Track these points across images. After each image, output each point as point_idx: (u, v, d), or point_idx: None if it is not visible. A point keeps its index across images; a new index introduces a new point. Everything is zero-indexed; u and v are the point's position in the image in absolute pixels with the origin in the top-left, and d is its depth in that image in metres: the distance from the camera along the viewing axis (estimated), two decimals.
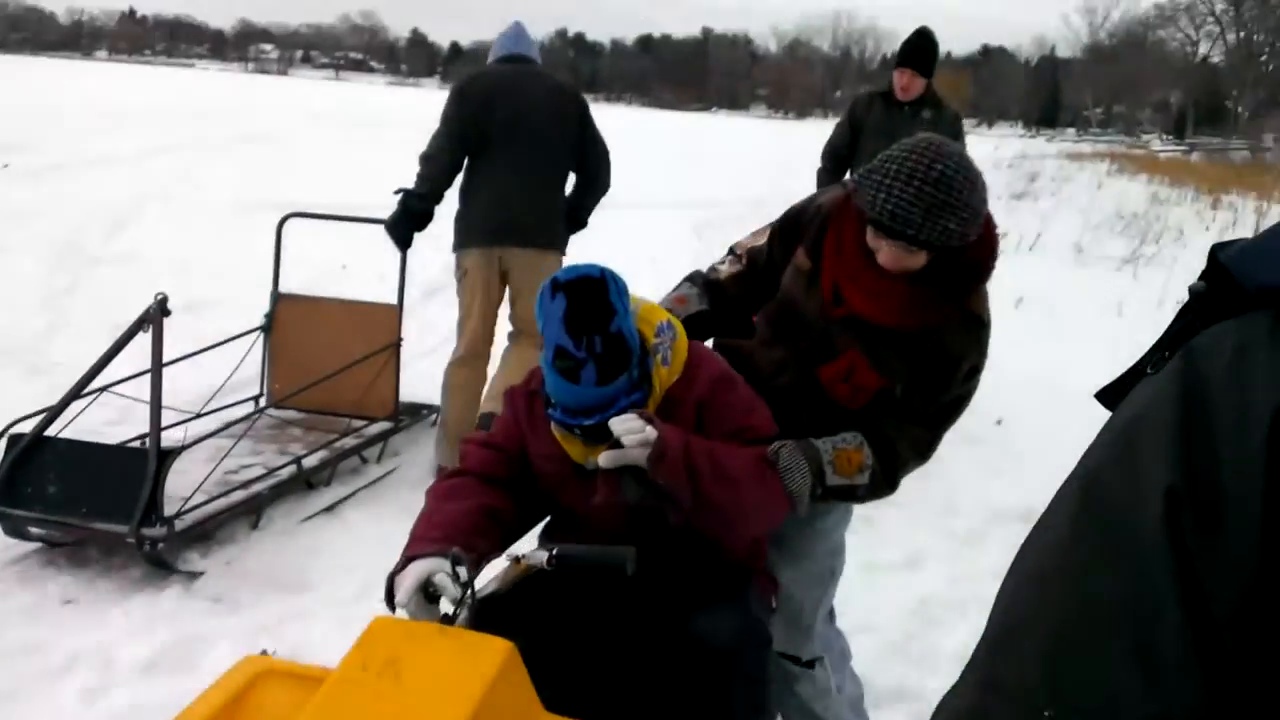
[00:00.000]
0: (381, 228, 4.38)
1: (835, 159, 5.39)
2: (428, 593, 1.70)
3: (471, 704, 1.47)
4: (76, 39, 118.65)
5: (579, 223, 4.59)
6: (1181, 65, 71.12)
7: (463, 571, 1.64)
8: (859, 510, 4.10)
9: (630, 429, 1.76)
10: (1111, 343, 7.29)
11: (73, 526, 3.31)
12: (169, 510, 3.30)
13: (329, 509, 4.00)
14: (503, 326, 4.54)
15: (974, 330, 2.10)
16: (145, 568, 3.42)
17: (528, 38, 4.59)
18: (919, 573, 3.71)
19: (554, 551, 1.66)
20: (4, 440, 3.42)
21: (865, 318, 2.04)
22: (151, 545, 3.25)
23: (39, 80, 34.45)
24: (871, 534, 4.00)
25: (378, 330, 4.48)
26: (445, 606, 1.68)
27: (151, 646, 2.99)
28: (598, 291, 1.82)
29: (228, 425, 3.92)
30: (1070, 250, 11.02)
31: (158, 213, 10.51)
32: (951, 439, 5.03)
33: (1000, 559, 3.73)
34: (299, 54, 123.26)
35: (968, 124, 5.56)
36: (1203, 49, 71.48)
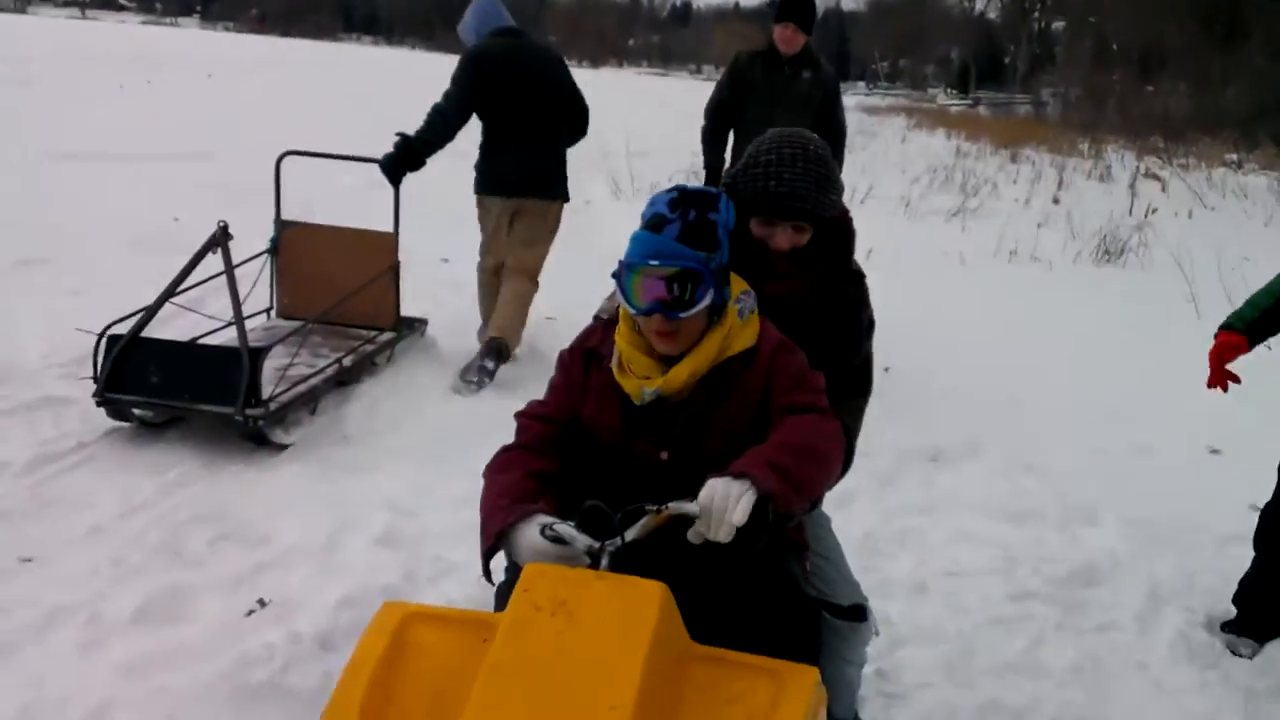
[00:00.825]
0: (375, 167, 4.96)
1: (719, 117, 5.39)
2: (551, 540, 1.77)
3: (646, 639, 1.57)
4: None
5: None
6: (961, 21, 75.43)
7: (609, 520, 1.72)
8: None
9: (721, 508, 1.70)
10: (962, 292, 7.92)
11: (177, 409, 4.05)
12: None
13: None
14: None
15: (861, 284, 2.34)
16: None
17: (504, 10, 5.30)
18: (852, 510, 3.96)
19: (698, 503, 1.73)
20: (103, 340, 4.09)
21: (781, 296, 2.18)
22: (253, 422, 3.96)
23: None
24: None
25: (375, 253, 5.07)
26: (573, 554, 1.74)
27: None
28: (708, 197, 2.01)
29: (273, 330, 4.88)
30: (899, 204, 11.68)
31: None
32: None
33: (917, 495, 4.09)
34: None
35: None
36: (979, 4, 76.10)
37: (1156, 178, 15.48)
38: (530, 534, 1.81)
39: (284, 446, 4.14)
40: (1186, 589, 3.52)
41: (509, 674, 1.53)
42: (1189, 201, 13.04)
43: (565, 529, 1.79)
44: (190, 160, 11.10)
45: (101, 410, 4.12)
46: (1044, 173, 16.09)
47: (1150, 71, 32.20)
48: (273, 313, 5.28)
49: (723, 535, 1.71)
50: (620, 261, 1.97)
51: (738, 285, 2.07)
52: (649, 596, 1.64)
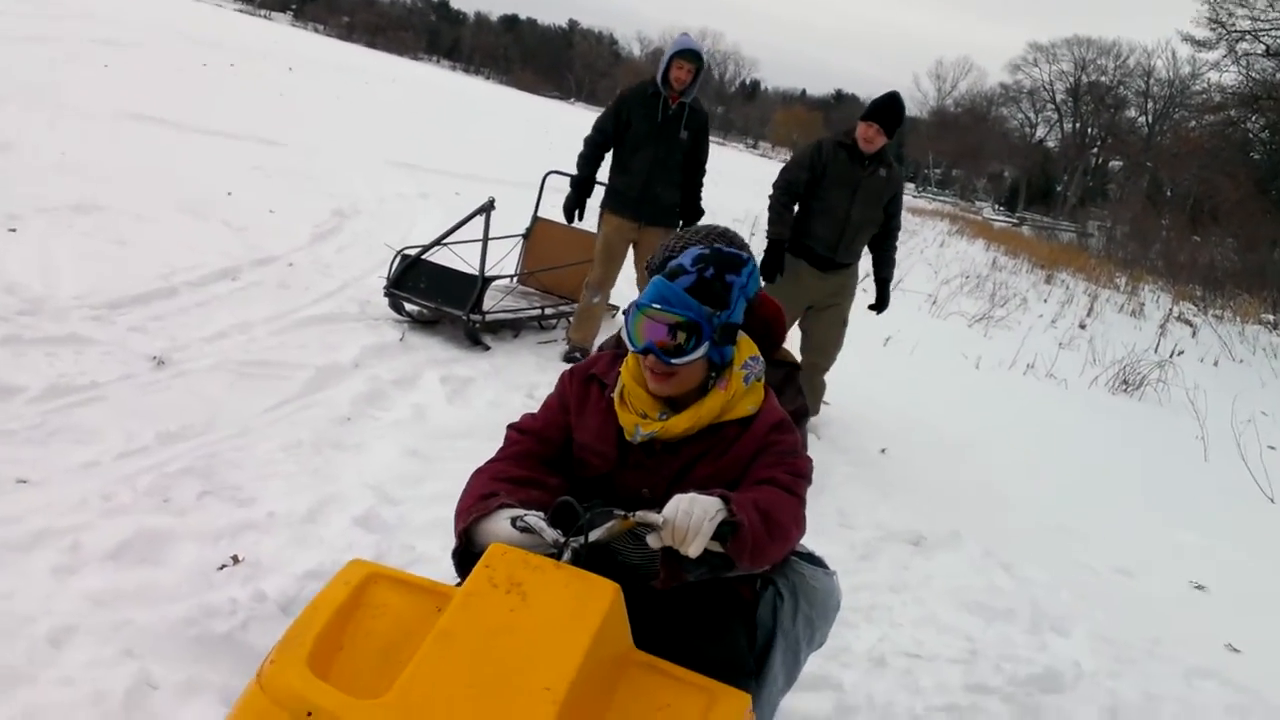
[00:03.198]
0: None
1: (790, 196, 5.60)
2: (520, 530, 1.84)
3: (591, 631, 1.63)
4: None
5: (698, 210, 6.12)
6: (1019, 143, 76.17)
7: (577, 517, 1.79)
8: None
9: (694, 519, 1.77)
10: (972, 393, 7.98)
11: (430, 308, 5.82)
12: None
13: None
14: None
15: (795, 376, 2.41)
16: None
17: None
18: None
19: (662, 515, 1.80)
20: (398, 257, 5.97)
21: None
22: (473, 325, 5.74)
23: None
24: None
25: (585, 247, 6.53)
26: (539, 545, 1.81)
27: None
28: (734, 260, 2.09)
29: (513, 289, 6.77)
30: (926, 301, 11.79)
31: (24, 104, 9.86)
32: (841, 462, 5.42)
33: (891, 574, 4.13)
34: None
35: None
36: (1040, 132, 76.89)
37: (1189, 322, 15.51)
38: (500, 524, 1.88)
39: (488, 348, 5.87)
40: (1148, 714, 3.51)
41: (455, 641, 1.59)
42: (1217, 350, 13.04)
43: (535, 520, 1.86)
44: (256, 143, 11.42)
45: (114, 354, 4.39)
46: (1076, 297, 16.17)
47: (1200, 222, 32.33)
48: (515, 279, 6.94)
49: (692, 549, 1.77)
50: (632, 301, 2.06)
51: (748, 350, 2.13)
52: (601, 594, 1.70)
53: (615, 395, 2.10)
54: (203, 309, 5.34)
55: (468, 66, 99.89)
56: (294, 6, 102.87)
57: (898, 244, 5.94)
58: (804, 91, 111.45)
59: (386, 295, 5.94)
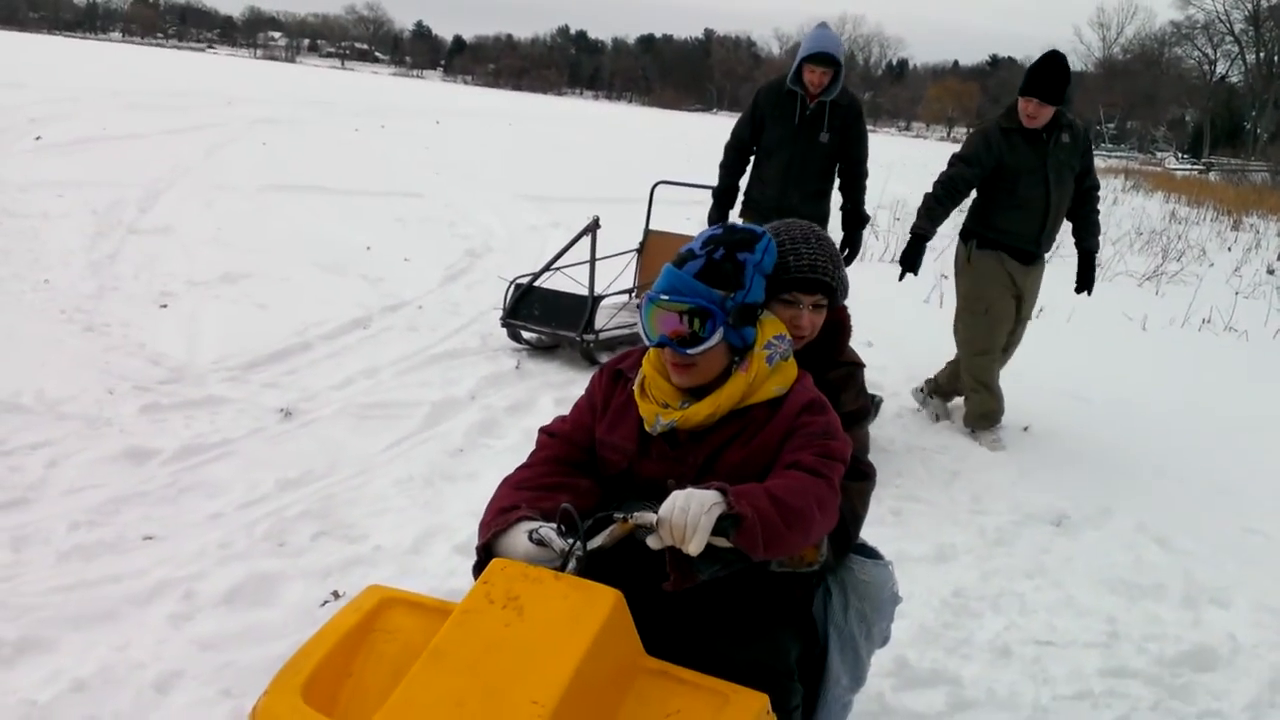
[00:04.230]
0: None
1: (952, 195, 5.12)
2: (535, 544, 1.81)
3: (586, 642, 1.59)
4: (92, 20, 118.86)
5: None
6: (1198, 83, 70.96)
7: (573, 525, 1.75)
8: (888, 503, 4.27)
9: (691, 514, 1.70)
10: (1135, 357, 7.45)
11: (546, 333, 5.96)
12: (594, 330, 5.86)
13: None
14: None
15: (851, 375, 2.27)
16: None
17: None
18: (950, 566, 3.80)
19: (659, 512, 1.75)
20: (511, 286, 6.11)
21: None
22: (587, 345, 5.80)
23: (60, 59, 34.58)
24: (901, 527, 4.13)
25: None
26: (553, 557, 1.79)
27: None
28: (747, 237, 2.02)
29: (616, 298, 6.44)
30: None
31: (186, 189, 10.66)
32: (972, 444, 5.17)
33: (1028, 559, 3.88)
34: (306, 42, 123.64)
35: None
36: (1220, 68, 71.28)
37: None
38: (518, 538, 1.86)
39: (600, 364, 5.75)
40: None
41: (447, 658, 1.59)
42: None
43: (548, 531, 1.83)
44: (398, 197, 11.96)
45: (247, 410, 4.65)
46: (1266, 241, 14.89)
47: None
48: (634, 294, 6.73)
49: (692, 547, 1.71)
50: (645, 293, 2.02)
51: (772, 329, 2.04)
52: (600, 602, 1.66)
53: (636, 387, 2.05)
54: (334, 359, 5.60)
55: (609, 93, 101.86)
56: (443, 63, 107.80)
57: (1098, 207, 5.29)
58: (956, 63, 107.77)
59: (504, 325, 6.10)
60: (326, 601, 3.14)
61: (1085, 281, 5.32)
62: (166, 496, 3.77)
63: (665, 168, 10.32)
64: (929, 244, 5.22)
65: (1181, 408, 6.20)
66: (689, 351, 1.93)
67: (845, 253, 5.23)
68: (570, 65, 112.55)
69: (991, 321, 5.15)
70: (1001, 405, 5.24)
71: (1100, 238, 5.35)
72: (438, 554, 3.50)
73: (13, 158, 11.33)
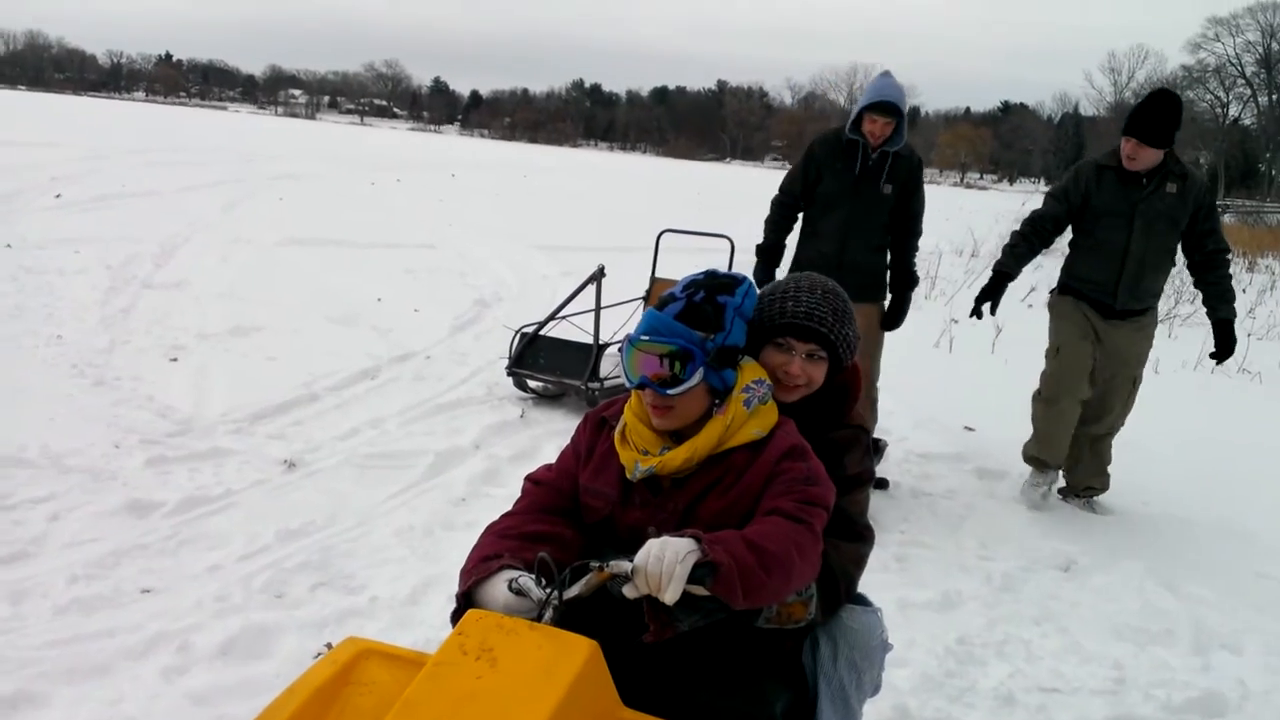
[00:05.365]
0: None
1: (1038, 232, 4.89)
2: (514, 594, 1.80)
3: (559, 693, 1.57)
4: (116, 80, 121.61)
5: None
6: (1212, 126, 71.00)
7: (550, 575, 1.74)
8: (892, 549, 4.23)
9: (666, 563, 1.69)
10: (1147, 400, 7.33)
11: (552, 381, 6.02)
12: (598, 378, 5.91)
13: None
14: None
15: (856, 438, 2.20)
16: None
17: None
18: (955, 613, 3.75)
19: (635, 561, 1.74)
20: (517, 335, 6.17)
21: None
22: (591, 393, 5.78)
23: (84, 119, 35.28)
24: (905, 574, 4.08)
25: None
26: (531, 607, 1.78)
27: None
28: (727, 281, 2.03)
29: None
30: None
31: (201, 244, 10.81)
32: (987, 490, 5.14)
33: (1035, 605, 3.83)
34: (325, 99, 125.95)
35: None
36: (1233, 111, 71.40)
37: None
38: (498, 587, 1.85)
39: None
40: None
41: (418, 710, 1.57)
42: None
43: (526, 581, 1.82)
44: (411, 249, 12.08)
45: (251, 462, 4.67)
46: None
47: None
48: None
49: (668, 595, 1.70)
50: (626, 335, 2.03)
51: (752, 373, 2.03)
52: (574, 652, 1.65)
53: (617, 434, 2.05)
54: (340, 410, 5.62)
55: (624, 144, 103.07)
56: (460, 117, 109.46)
57: (1229, 272, 4.79)
58: (968, 109, 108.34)
59: (509, 374, 6.13)
60: (320, 654, 3.12)
61: (1223, 350, 4.79)
62: (166, 549, 3.78)
63: (675, 216, 10.40)
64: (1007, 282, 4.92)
65: (1193, 451, 6.13)
66: (669, 392, 1.93)
67: (889, 314, 4.98)
68: (585, 118, 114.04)
69: (1061, 365, 4.80)
70: (1054, 458, 4.89)
71: (1235, 305, 4.82)
72: (435, 605, 3.48)
73: (33, 216, 11.53)
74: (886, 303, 5.00)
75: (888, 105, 4.66)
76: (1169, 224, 4.59)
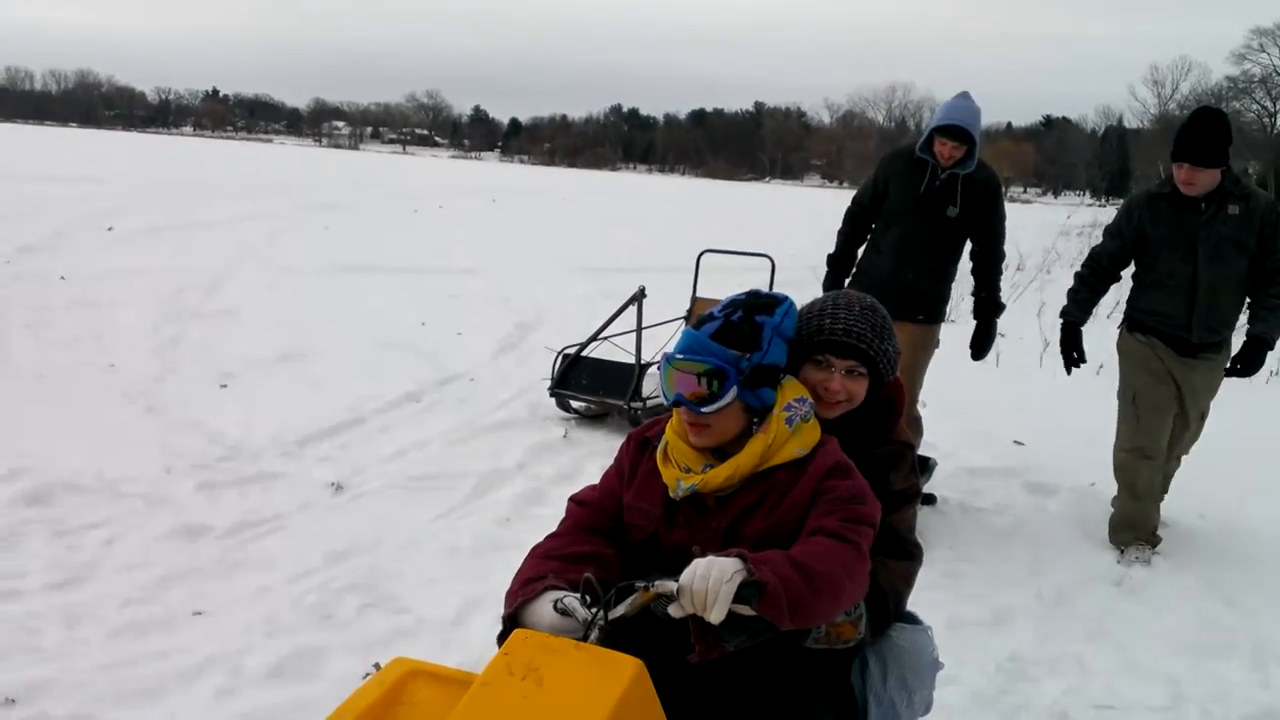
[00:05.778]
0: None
1: (1097, 273, 4.68)
2: (560, 614, 1.81)
3: (605, 712, 1.56)
4: (164, 116, 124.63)
5: None
6: (1259, 135, 69.73)
7: (596, 595, 1.74)
8: (942, 566, 4.17)
9: (712, 582, 1.68)
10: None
11: (594, 402, 6.07)
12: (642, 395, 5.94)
13: None
14: None
15: (902, 454, 2.18)
16: None
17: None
18: (1007, 630, 3.69)
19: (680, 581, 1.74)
20: (559, 356, 6.23)
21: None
22: (634, 412, 5.82)
23: (134, 154, 36.13)
24: (955, 590, 4.03)
25: None
26: (577, 627, 1.78)
27: None
28: (767, 301, 2.04)
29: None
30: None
31: (249, 273, 10.99)
32: (1040, 504, 5.06)
33: (1089, 620, 3.76)
34: (369, 130, 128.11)
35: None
36: None
37: None
38: (544, 608, 1.86)
39: None
40: None
41: None
42: None
43: (571, 601, 1.82)
44: (454, 274, 12.19)
45: (299, 485, 4.75)
46: None
47: None
48: None
49: (713, 615, 1.69)
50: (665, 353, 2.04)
51: (793, 392, 2.03)
52: (620, 671, 1.64)
53: (659, 452, 2.06)
54: (385, 433, 5.67)
55: (662, 167, 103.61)
56: (500, 144, 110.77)
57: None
58: (1009, 125, 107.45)
59: (552, 395, 6.15)
60: (368, 674, 3.13)
61: (1246, 366, 4.49)
62: (217, 572, 3.83)
63: (716, 236, 10.40)
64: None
65: (1252, 461, 6.00)
66: (703, 410, 1.93)
67: (974, 343, 4.91)
68: (624, 142, 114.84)
69: (1140, 413, 4.54)
70: (1151, 517, 4.57)
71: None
72: (481, 625, 3.49)
73: (85, 249, 11.80)
74: (934, 326, 4.85)
75: (957, 130, 4.52)
76: (1235, 249, 4.31)
